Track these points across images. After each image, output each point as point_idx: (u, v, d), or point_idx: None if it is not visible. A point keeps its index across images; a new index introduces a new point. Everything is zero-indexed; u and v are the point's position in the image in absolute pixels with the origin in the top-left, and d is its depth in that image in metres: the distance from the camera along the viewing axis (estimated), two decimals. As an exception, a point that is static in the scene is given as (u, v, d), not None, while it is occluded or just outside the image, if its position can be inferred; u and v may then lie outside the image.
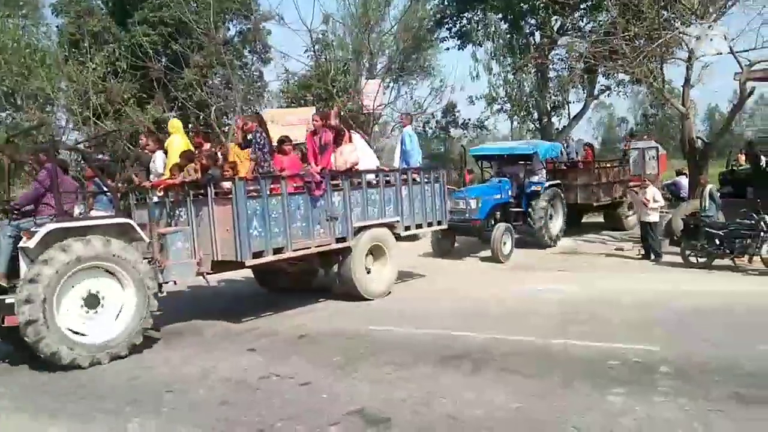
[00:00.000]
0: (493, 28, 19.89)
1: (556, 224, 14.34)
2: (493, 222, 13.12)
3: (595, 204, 15.39)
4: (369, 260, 9.49)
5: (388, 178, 9.87)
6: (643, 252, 12.41)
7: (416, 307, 8.92)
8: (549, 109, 22.17)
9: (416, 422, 4.64)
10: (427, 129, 24.52)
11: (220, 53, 21.97)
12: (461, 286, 10.40)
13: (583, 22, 20.49)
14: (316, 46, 20.04)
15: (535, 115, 22.46)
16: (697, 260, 11.02)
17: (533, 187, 13.86)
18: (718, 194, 11.99)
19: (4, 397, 5.73)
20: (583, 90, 21.78)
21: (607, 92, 22.72)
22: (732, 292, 9.08)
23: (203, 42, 22.87)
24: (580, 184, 15.30)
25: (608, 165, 16.40)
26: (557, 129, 23.53)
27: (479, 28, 20.15)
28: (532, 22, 20.95)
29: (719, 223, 10.97)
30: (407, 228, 10.12)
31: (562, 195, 14.41)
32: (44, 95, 21.26)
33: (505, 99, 21.42)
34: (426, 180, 10.48)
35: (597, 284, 9.98)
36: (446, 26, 22.20)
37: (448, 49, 22.74)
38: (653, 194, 12.24)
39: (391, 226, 9.81)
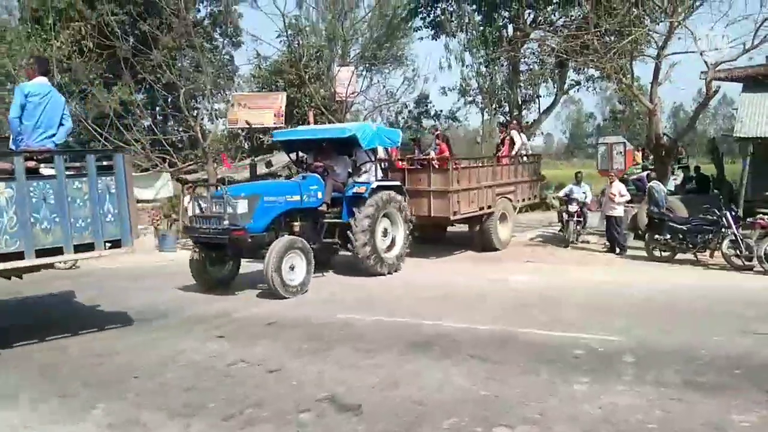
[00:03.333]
0: (466, 19, 19.92)
1: (395, 244, 10.58)
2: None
3: (452, 218, 11.52)
4: None
5: None
6: (608, 245, 12.66)
7: (385, 296, 8.94)
8: (520, 102, 22.35)
9: (386, 407, 4.66)
10: (399, 118, 24.54)
11: (190, 35, 21.59)
12: (432, 275, 10.48)
13: (555, 16, 20.65)
14: (289, 31, 19.81)
15: (506, 108, 22.60)
16: (660, 254, 11.30)
17: (356, 189, 10.11)
18: (663, 191, 12.36)
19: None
20: (554, 84, 22.01)
21: (577, 87, 23.01)
22: (693, 285, 9.33)
23: (173, 23, 22.43)
24: (434, 190, 11.32)
25: (475, 164, 12.84)
26: (527, 122, 23.74)
27: (453, 18, 20.16)
28: (505, 14, 21.05)
29: (682, 218, 11.26)
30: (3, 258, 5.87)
31: (403, 202, 10.62)
32: (4, 72, 20.60)
33: (477, 91, 21.54)
34: (76, 173, 6.48)
35: (563, 276, 10.18)
36: (420, 16, 22.18)
37: (421, 38, 22.78)
38: (619, 189, 12.48)
39: None
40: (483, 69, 20.72)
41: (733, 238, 10.30)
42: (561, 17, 20.61)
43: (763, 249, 9.75)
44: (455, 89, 22.42)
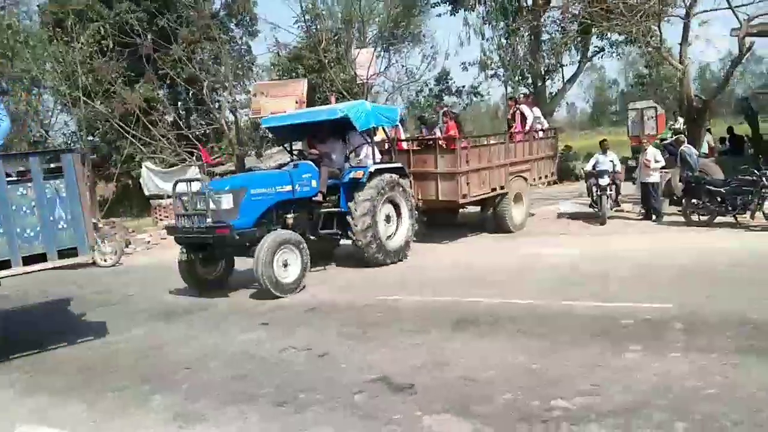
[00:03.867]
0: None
1: (399, 231, 9.92)
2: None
3: (461, 201, 10.94)
4: None
5: None
6: (644, 212, 12.44)
7: (421, 276, 8.91)
8: (543, 73, 21.98)
9: (438, 385, 4.66)
10: (420, 97, 24.33)
11: (208, 27, 21.77)
12: (455, 257, 10.41)
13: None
14: (306, 16, 19.73)
15: (530, 80, 22.24)
16: (699, 218, 11.06)
17: (352, 174, 9.44)
18: (695, 154, 12.03)
19: (20, 379, 5.73)
20: (577, 52, 21.58)
21: (601, 54, 22.55)
22: (734, 248, 9.12)
23: (190, 16, 22.53)
24: (441, 171, 10.68)
25: (485, 143, 12.35)
26: (551, 93, 23.37)
27: (471, -9, 19.88)
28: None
29: (720, 181, 10.99)
30: None
31: (405, 186, 9.95)
32: (30, 77, 20.92)
33: (499, 64, 21.22)
34: (20, 177, 6.04)
35: (601, 246, 10.04)
36: (438, -9, 21.97)
37: (440, 15, 22.48)
38: (654, 155, 12.22)
39: None
40: (504, 41, 20.35)
41: (775, 197, 10.04)
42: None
43: (807, 207, 9.50)
44: (475, 64, 22.12)
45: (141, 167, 19.00)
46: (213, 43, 24.09)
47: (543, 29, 21.48)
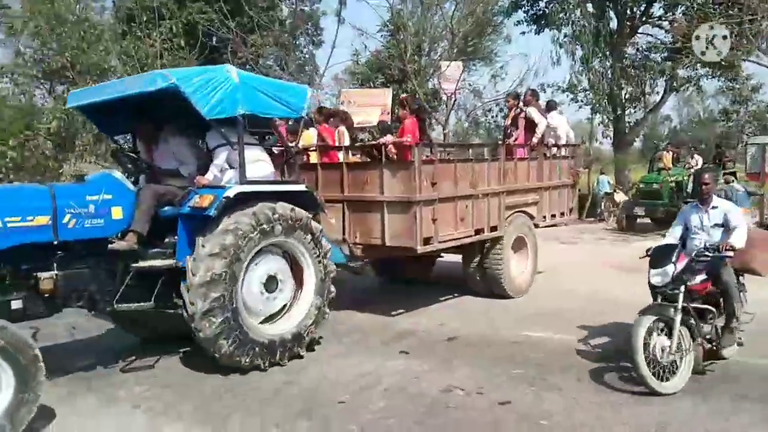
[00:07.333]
0: (578, 11, 18.75)
1: (296, 308, 5.79)
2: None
3: (419, 249, 6.61)
4: None
5: None
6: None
7: (552, 308, 7.78)
8: (624, 100, 21.05)
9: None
10: (489, 117, 23.42)
11: (279, 33, 21.49)
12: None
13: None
14: (389, 25, 19.14)
15: (609, 108, 21.20)
16: None
17: (194, 201, 5.23)
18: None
19: (153, 399, 4.85)
20: (666, 81, 20.55)
21: (687, 85, 21.49)
22: None
23: (260, 21, 22.34)
24: (389, 199, 6.64)
25: (465, 158, 7.64)
26: (629, 123, 22.36)
27: (561, 11, 18.94)
28: (616, 7, 19.93)
29: None
30: None
31: (313, 228, 5.79)
32: (100, 69, 20.63)
33: (587, 88, 20.22)
34: None
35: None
36: (522, 9, 21.19)
37: (523, 33, 21.65)
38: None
39: None
40: (595, 65, 19.35)
41: None
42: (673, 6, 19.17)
43: None
44: (553, 86, 21.05)
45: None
46: (281, 49, 23.81)
47: (627, 56, 20.68)
